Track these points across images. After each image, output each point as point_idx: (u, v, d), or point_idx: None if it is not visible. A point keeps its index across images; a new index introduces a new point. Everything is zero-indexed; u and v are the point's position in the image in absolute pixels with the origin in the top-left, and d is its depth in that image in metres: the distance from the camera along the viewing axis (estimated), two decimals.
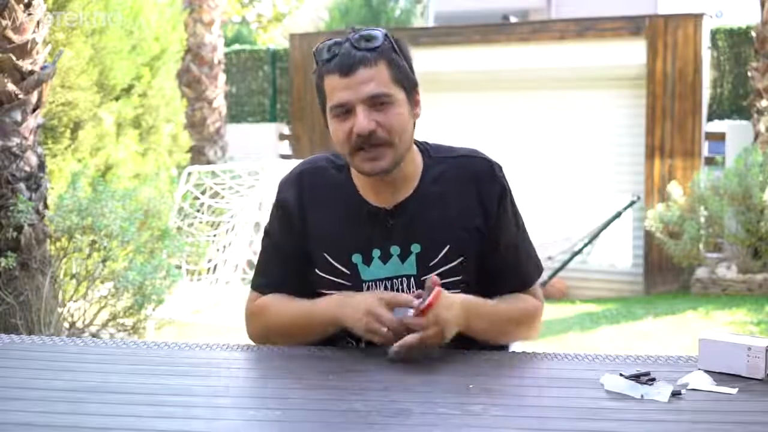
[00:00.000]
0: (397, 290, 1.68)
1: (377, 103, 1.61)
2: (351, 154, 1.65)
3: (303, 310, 1.70)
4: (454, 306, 1.59)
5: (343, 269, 1.70)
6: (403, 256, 1.68)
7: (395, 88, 1.63)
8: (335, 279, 1.71)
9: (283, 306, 1.73)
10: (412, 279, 1.69)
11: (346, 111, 1.62)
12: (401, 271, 1.69)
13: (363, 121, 1.60)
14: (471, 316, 1.62)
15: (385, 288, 1.69)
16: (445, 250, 1.68)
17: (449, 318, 1.57)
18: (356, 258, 1.69)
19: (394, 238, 1.69)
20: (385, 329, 1.55)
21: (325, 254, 1.71)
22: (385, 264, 1.68)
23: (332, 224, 1.72)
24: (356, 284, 1.69)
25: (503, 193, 1.73)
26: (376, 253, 1.69)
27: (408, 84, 1.66)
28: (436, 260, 1.68)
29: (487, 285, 1.71)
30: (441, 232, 1.69)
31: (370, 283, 1.69)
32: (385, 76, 1.62)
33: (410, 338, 1.53)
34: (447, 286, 1.64)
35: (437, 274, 1.67)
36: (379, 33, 1.63)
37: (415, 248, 1.68)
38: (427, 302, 1.54)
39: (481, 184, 1.72)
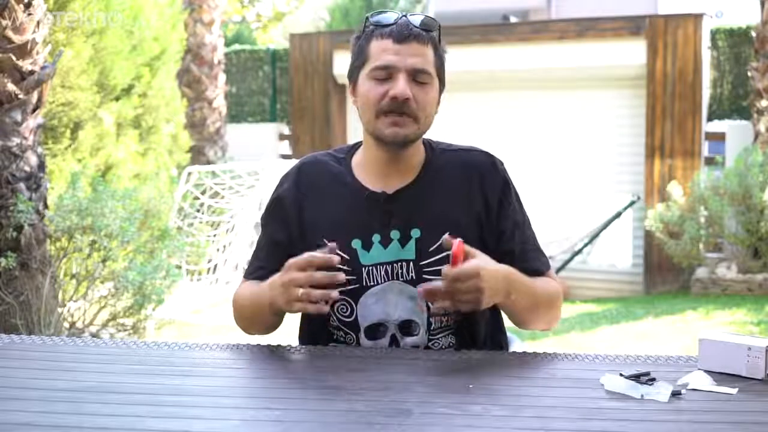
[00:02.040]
0: (397, 275, 1.69)
1: (417, 78, 1.67)
2: (376, 116, 1.68)
3: (253, 296, 1.74)
4: (499, 272, 1.58)
5: (343, 254, 1.70)
6: (403, 241, 1.69)
7: (434, 73, 1.70)
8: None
9: (245, 292, 1.78)
10: (411, 264, 1.69)
11: (386, 75, 1.66)
12: (400, 256, 1.69)
13: (404, 87, 1.65)
14: (514, 287, 1.60)
15: (385, 272, 1.69)
16: (445, 235, 1.68)
17: (491, 276, 1.54)
18: (356, 243, 1.70)
19: (395, 223, 1.70)
20: (300, 290, 1.54)
21: (325, 240, 1.71)
22: (386, 249, 1.69)
23: (331, 211, 1.74)
24: (356, 269, 1.69)
25: (505, 185, 1.75)
26: (376, 238, 1.70)
27: (442, 78, 1.74)
28: (436, 246, 1.68)
29: None
30: (441, 219, 1.70)
31: (370, 268, 1.69)
32: (431, 59, 1.69)
33: (438, 285, 1.52)
34: None
35: (437, 260, 1.67)
36: (435, 22, 1.73)
37: (415, 233, 1.69)
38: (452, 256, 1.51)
39: (482, 175, 1.74)
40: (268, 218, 1.82)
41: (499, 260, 1.68)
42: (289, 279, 1.57)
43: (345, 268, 1.68)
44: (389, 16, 1.70)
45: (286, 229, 1.76)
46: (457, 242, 1.53)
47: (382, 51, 1.67)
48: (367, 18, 1.72)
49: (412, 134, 1.68)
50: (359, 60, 1.71)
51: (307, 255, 1.57)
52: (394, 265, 1.69)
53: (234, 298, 1.82)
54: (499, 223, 1.72)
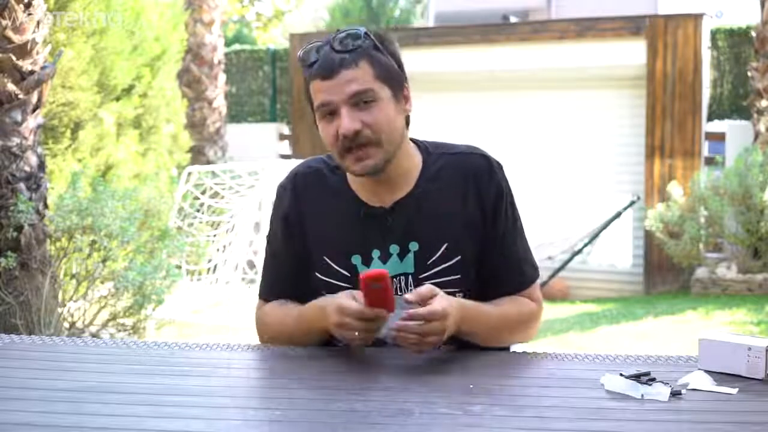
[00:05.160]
0: (396, 289, 1.67)
1: (361, 101, 1.60)
2: (341, 156, 1.64)
3: (295, 319, 1.71)
4: (453, 302, 1.57)
5: (343, 271, 1.70)
6: (402, 255, 1.68)
7: (379, 84, 1.61)
8: (335, 281, 1.70)
9: (280, 315, 1.75)
10: (410, 277, 1.68)
11: (330, 112, 1.61)
12: (400, 270, 1.68)
13: (347, 121, 1.58)
14: (463, 319, 1.59)
15: None
16: (443, 248, 1.67)
17: (454, 314, 1.55)
18: (355, 259, 1.69)
19: (393, 237, 1.68)
20: (353, 321, 1.52)
21: (325, 257, 1.71)
22: (385, 264, 1.68)
23: (330, 227, 1.72)
24: (356, 286, 1.67)
25: (500, 190, 1.71)
26: (376, 253, 1.68)
27: (394, 80, 1.65)
28: (434, 258, 1.67)
29: (485, 285, 1.70)
30: (439, 230, 1.68)
31: None
32: (368, 75, 1.60)
33: (411, 325, 1.50)
34: (446, 285, 1.64)
35: (435, 273, 1.66)
36: (359, 32, 1.62)
37: (413, 246, 1.67)
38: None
39: (478, 181, 1.70)
40: (272, 234, 1.80)
41: (488, 267, 1.70)
42: (344, 307, 1.54)
43: (346, 285, 1.68)
44: (313, 51, 1.62)
45: (294, 246, 1.75)
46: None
47: (317, 92, 1.62)
48: (299, 58, 1.66)
49: (379, 162, 1.63)
50: (309, 101, 1.67)
51: (358, 309, 1.52)
52: (394, 279, 1.67)
53: (261, 320, 1.79)
54: (492, 233, 1.70)
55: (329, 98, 1.60)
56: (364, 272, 1.54)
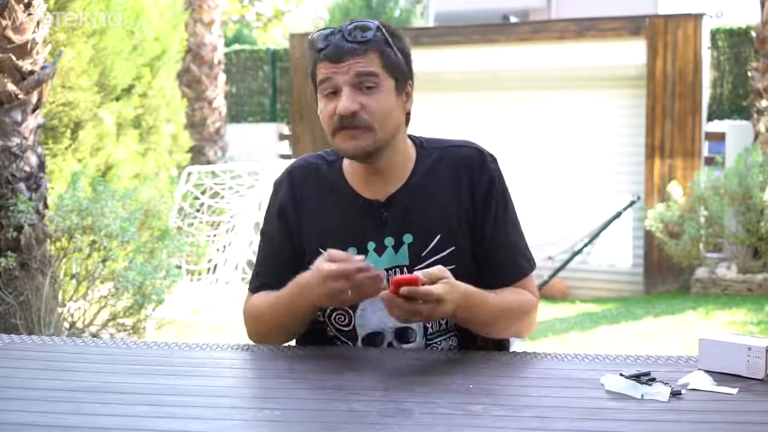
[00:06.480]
0: None
1: (364, 85, 1.63)
2: (333, 134, 1.66)
3: (278, 299, 1.70)
4: (457, 290, 1.57)
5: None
6: (397, 247, 1.70)
7: (384, 74, 1.65)
8: None
9: (265, 300, 1.74)
10: (405, 269, 1.69)
11: (332, 90, 1.64)
12: (395, 262, 1.70)
13: (346, 101, 1.61)
14: (463, 307, 1.59)
15: None
16: (436, 239, 1.69)
17: (452, 302, 1.55)
18: (351, 251, 1.69)
19: (388, 230, 1.70)
20: (344, 282, 1.53)
21: (321, 249, 1.71)
22: (381, 256, 1.70)
23: (327, 220, 1.73)
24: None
25: (492, 181, 1.73)
26: (371, 245, 1.70)
27: (399, 74, 1.68)
28: (428, 250, 1.69)
29: (479, 275, 1.70)
30: (432, 222, 1.70)
31: None
32: (374, 63, 1.64)
33: (398, 301, 1.51)
34: None
35: (429, 264, 1.67)
36: (372, 24, 1.65)
37: (407, 238, 1.70)
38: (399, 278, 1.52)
39: (471, 172, 1.72)
40: (273, 230, 1.79)
41: (481, 258, 1.71)
42: (329, 271, 1.54)
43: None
44: (324, 37, 1.65)
45: (291, 239, 1.75)
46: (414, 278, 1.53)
47: (322, 69, 1.65)
48: (309, 41, 1.69)
49: (369, 145, 1.65)
50: (313, 83, 1.70)
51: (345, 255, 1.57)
52: (389, 272, 1.69)
53: (248, 311, 1.78)
54: (483, 224, 1.72)
55: (333, 77, 1.63)
56: (397, 277, 1.53)
